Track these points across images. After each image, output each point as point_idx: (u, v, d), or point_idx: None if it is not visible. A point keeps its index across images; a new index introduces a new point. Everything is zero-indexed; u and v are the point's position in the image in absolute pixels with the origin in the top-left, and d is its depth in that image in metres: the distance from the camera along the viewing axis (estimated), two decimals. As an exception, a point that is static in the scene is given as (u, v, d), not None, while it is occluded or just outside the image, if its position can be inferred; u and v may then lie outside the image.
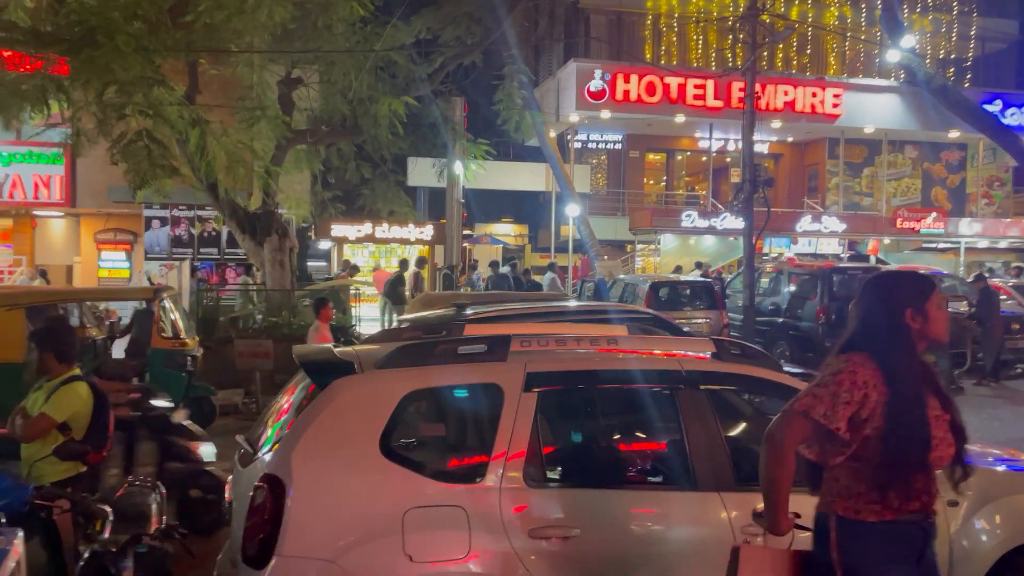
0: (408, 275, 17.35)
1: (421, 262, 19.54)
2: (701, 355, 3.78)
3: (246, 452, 3.52)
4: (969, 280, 14.47)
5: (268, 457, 3.33)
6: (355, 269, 16.75)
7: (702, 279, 17.21)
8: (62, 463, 3.92)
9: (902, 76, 25.24)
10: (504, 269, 19.77)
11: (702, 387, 3.57)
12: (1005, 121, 23.97)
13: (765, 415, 4.20)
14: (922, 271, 2.72)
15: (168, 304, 9.38)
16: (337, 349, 3.72)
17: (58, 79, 10.57)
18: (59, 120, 12.12)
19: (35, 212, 19.86)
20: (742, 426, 4.13)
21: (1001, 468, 4.14)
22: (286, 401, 3.94)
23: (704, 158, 27.88)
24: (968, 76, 28.80)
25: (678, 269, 20.80)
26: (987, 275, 14.94)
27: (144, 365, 9.41)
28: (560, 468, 3.55)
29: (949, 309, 12.58)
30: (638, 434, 3.97)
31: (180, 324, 9.46)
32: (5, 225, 20.19)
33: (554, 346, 3.68)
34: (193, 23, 10.58)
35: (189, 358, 9.32)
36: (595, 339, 3.85)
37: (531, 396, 3.35)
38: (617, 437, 4.04)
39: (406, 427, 3.56)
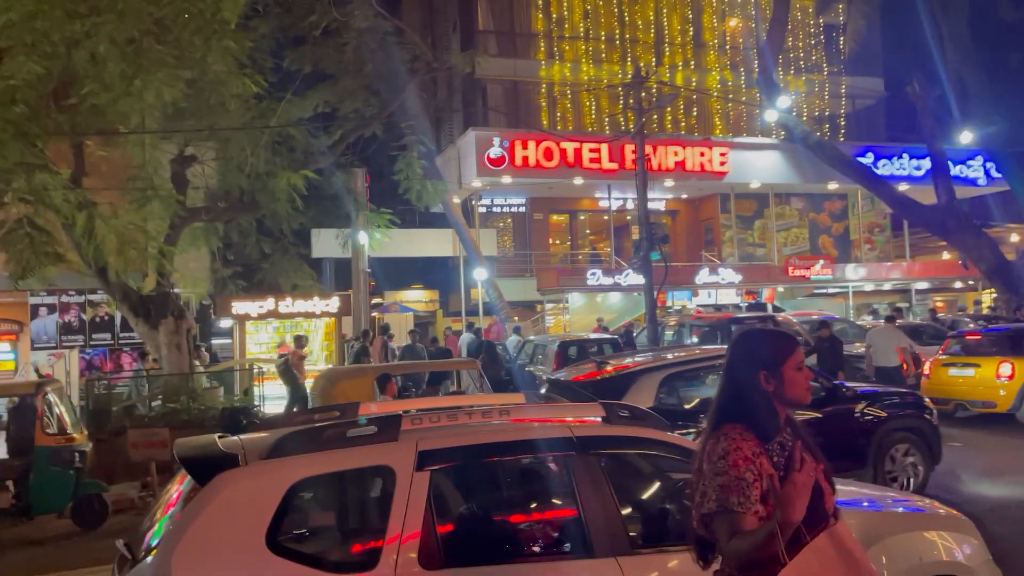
0: (375, 345, 17.03)
1: (386, 329, 19.23)
2: (592, 419, 3.84)
3: (124, 558, 3.33)
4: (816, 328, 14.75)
5: (148, 560, 3.16)
6: (301, 340, 16.22)
7: (608, 335, 17.54)
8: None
9: (782, 134, 26.91)
10: (466, 337, 19.45)
11: (594, 452, 3.62)
12: (878, 171, 25.77)
13: (660, 474, 4.29)
14: (785, 329, 2.73)
15: (53, 398, 8.89)
16: (222, 440, 3.60)
17: (-69, 166, 10.09)
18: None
19: (-93, 305, 18.59)
20: (637, 487, 4.20)
21: (899, 510, 4.34)
22: (176, 491, 3.75)
23: (605, 217, 28.75)
24: (842, 131, 30.94)
25: (600, 324, 20.96)
26: (873, 316, 15.73)
27: (28, 464, 8.85)
28: (457, 546, 3.50)
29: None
30: (535, 504, 3.97)
31: (66, 418, 8.96)
32: None
33: (445, 421, 3.67)
34: (78, 106, 10.34)
35: (77, 454, 8.82)
36: (487, 410, 3.86)
37: (424, 475, 3.32)
38: (514, 509, 4.03)
39: (296, 518, 3.46)
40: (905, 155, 28.18)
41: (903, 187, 25.93)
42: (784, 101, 22.44)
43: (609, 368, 8.12)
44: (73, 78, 10.60)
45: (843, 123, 31.36)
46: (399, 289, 32.45)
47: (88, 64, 10.16)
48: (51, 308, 16.32)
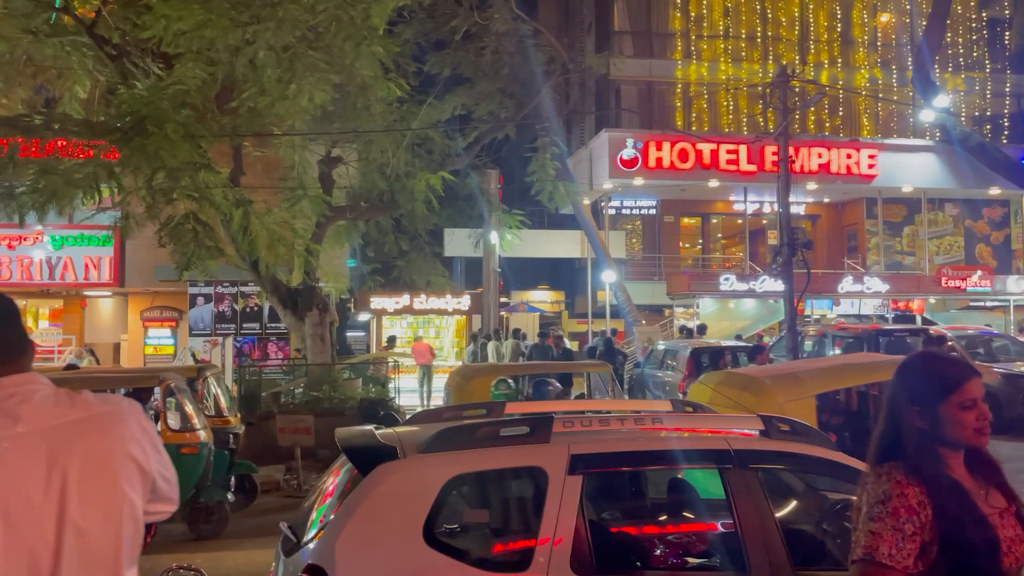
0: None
1: (517, 333, 19.39)
2: (749, 433, 3.68)
3: (289, 540, 3.49)
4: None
5: (312, 546, 3.29)
6: (392, 341, 16.86)
7: (743, 344, 16.94)
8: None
9: (937, 135, 25.11)
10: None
11: (752, 467, 3.47)
12: (1047, 176, 23.60)
13: (819, 494, 4.06)
14: (953, 355, 2.32)
15: (212, 382, 9.49)
16: (380, 432, 3.70)
17: (109, 165, 11.02)
18: (109, 203, 12.58)
19: (85, 292, 20.46)
20: (795, 505, 3.99)
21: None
22: (331, 483, 3.90)
23: (740, 221, 27.83)
24: (1006, 132, 28.57)
25: (702, 328, 20.14)
26: None
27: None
28: (609, 553, 3.44)
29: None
30: (687, 516, 3.85)
31: (223, 401, 9.54)
32: (55, 305, 20.80)
33: (597, 426, 3.62)
34: (238, 109, 11.01)
35: (231, 435, 9.37)
36: (640, 418, 3.78)
37: (576, 479, 3.28)
38: (666, 520, 3.92)
39: (450, 513, 3.50)
40: (1080, 159, 25.67)
41: (1077, 193, 23.64)
42: (942, 100, 20.98)
43: None
44: (234, 83, 11.30)
45: (1007, 124, 28.93)
46: (526, 289, 32.70)
47: (248, 70, 10.80)
48: (208, 298, 17.51)
